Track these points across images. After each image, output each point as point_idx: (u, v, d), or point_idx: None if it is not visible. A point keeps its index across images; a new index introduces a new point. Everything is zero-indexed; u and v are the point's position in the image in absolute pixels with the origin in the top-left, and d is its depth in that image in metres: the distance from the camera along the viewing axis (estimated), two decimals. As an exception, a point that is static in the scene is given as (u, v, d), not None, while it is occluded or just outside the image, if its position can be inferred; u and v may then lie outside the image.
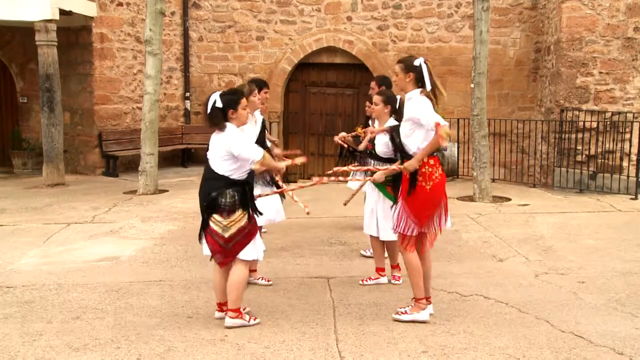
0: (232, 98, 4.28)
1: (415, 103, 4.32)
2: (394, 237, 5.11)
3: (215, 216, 4.24)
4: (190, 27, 13.31)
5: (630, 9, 10.14)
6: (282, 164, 4.66)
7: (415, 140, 4.36)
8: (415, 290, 4.48)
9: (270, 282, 5.37)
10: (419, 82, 4.36)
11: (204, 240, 4.35)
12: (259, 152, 4.23)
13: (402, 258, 5.16)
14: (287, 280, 5.46)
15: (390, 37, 12.66)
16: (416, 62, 4.36)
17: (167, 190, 10.09)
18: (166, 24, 12.18)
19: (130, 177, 11.44)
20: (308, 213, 4.73)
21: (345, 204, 6.14)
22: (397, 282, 5.37)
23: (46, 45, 10.45)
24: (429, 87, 4.34)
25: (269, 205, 5.25)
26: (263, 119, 5.48)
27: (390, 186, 5.04)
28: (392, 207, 5.02)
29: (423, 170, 4.34)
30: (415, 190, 4.33)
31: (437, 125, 4.17)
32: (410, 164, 4.30)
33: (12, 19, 10.49)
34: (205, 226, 4.31)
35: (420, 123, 4.28)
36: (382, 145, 5.10)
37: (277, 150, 5.81)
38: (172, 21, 13.03)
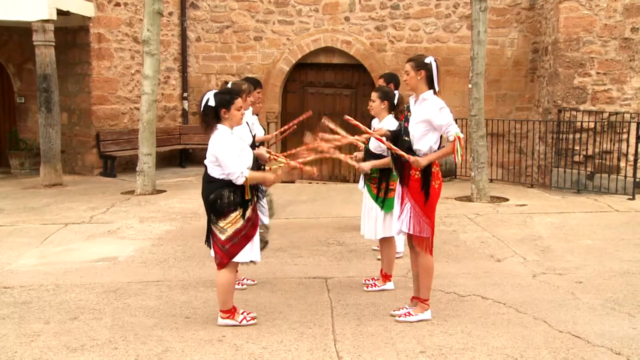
0: (226, 97, 4.23)
1: (437, 108, 4.32)
2: (371, 236, 5.18)
3: (214, 218, 4.23)
4: (188, 27, 13.31)
5: (627, 10, 10.16)
6: (271, 176, 4.34)
7: (428, 141, 4.38)
8: (424, 292, 4.51)
9: (255, 282, 5.37)
10: (430, 81, 4.38)
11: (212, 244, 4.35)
12: (243, 174, 4.11)
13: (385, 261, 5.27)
14: (285, 281, 5.46)
15: (388, 38, 12.66)
16: (427, 60, 4.39)
17: (165, 191, 10.08)
18: (164, 24, 12.17)
19: (128, 177, 11.44)
20: (315, 173, 4.54)
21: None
22: (372, 288, 5.18)
23: (44, 46, 10.43)
24: (437, 87, 4.37)
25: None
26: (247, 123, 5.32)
27: (374, 184, 5.05)
28: (381, 208, 5.04)
29: (433, 170, 4.38)
30: (429, 191, 4.35)
31: (458, 139, 4.24)
32: (420, 162, 4.31)
33: (10, 19, 10.47)
34: (210, 230, 4.31)
35: (441, 129, 4.32)
36: (374, 141, 5.08)
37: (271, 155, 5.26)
38: (170, 21, 13.03)
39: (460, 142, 4.26)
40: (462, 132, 4.43)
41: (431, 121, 4.33)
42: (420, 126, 4.38)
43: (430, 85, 4.39)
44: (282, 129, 5.66)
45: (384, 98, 5.09)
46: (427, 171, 4.35)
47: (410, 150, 4.41)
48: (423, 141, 4.38)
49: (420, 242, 4.45)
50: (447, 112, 4.32)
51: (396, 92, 5.21)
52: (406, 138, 4.43)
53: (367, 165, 5.01)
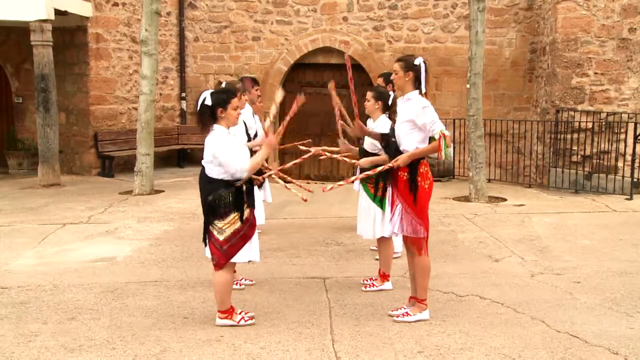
0: (222, 97, 4.24)
1: (419, 107, 4.33)
2: (370, 235, 5.20)
3: (212, 219, 4.23)
4: (186, 27, 13.30)
5: (625, 10, 10.18)
6: (267, 148, 4.32)
7: (412, 141, 4.39)
8: (421, 292, 4.51)
9: (253, 282, 5.37)
10: (417, 82, 4.39)
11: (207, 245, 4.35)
12: (245, 164, 4.15)
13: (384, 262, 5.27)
14: (283, 281, 5.46)
15: (386, 38, 12.67)
16: (416, 62, 4.41)
17: (163, 191, 10.08)
18: (162, 24, 12.16)
19: (126, 177, 11.43)
20: (305, 200, 4.65)
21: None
22: (370, 288, 5.17)
23: (41, 46, 10.42)
24: (424, 88, 4.40)
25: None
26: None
27: (371, 183, 5.06)
28: (380, 208, 5.05)
29: (421, 170, 4.38)
30: (417, 191, 4.35)
31: (444, 136, 4.24)
32: (403, 160, 4.32)
33: (7, 19, 10.45)
34: (207, 231, 4.31)
35: (426, 128, 4.32)
36: (370, 142, 5.12)
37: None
38: (168, 21, 13.02)
39: (447, 140, 4.26)
40: (459, 132, 4.46)
41: (414, 120, 4.34)
42: (405, 126, 4.40)
43: (417, 86, 4.42)
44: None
45: (378, 98, 5.11)
46: (414, 172, 4.36)
47: (397, 151, 4.43)
48: (408, 140, 4.39)
49: (414, 243, 4.45)
50: (430, 110, 4.32)
51: (391, 92, 5.23)
52: (393, 139, 4.46)
53: (365, 162, 5.03)
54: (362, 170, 5.20)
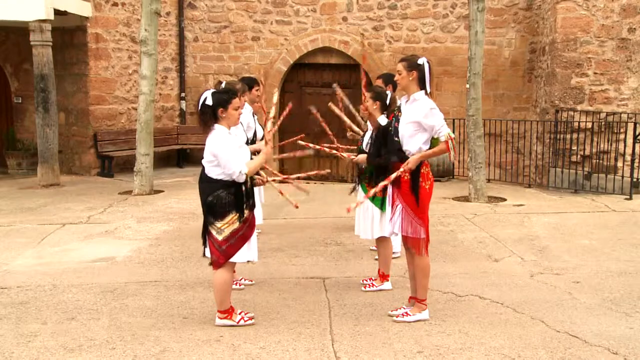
0: (223, 97, 4.24)
1: (427, 108, 4.33)
2: (368, 235, 5.22)
3: (212, 219, 4.24)
4: (186, 27, 13.30)
5: (624, 10, 10.18)
6: (265, 153, 4.35)
7: (417, 142, 4.39)
8: (421, 292, 4.52)
9: (252, 282, 5.37)
10: (421, 82, 4.39)
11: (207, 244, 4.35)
12: (242, 172, 4.13)
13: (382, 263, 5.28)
14: (282, 281, 5.46)
15: (386, 38, 12.67)
16: (420, 61, 4.41)
17: (163, 191, 10.08)
18: (161, 24, 12.15)
19: (126, 177, 11.43)
20: (297, 207, 4.78)
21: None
22: (369, 288, 5.17)
23: (41, 46, 10.41)
24: (429, 88, 4.38)
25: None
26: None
27: (367, 182, 5.07)
28: (379, 208, 5.05)
29: (422, 171, 4.38)
30: (419, 191, 4.36)
31: (451, 139, 4.27)
32: (414, 162, 4.32)
33: (7, 19, 10.44)
34: (206, 230, 4.31)
35: (433, 130, 4.33)
36: (367, 140, 5.15)
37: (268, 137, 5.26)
38: (168, 21, 13.02)
39: (453, 143, 4.30)
40: (459, 132, 4.48)
41: (421, 122, 4.34)
42: (410, 127, 4.39)
43: (422, 86, 4.41)
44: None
45: (376, 98, 5.10)
46: (415, 173, 4.36)
47: (400, 150, 4.42)
48: (412, 141, 4.39)
49: (414, 244, 4.45)
50: (437, 113, 4.33)
51: (389, 92, 5.23)
52: (396, 139, 4.45)
53: (362, 158, 5.10)
54: (359, 172, 5.23)
